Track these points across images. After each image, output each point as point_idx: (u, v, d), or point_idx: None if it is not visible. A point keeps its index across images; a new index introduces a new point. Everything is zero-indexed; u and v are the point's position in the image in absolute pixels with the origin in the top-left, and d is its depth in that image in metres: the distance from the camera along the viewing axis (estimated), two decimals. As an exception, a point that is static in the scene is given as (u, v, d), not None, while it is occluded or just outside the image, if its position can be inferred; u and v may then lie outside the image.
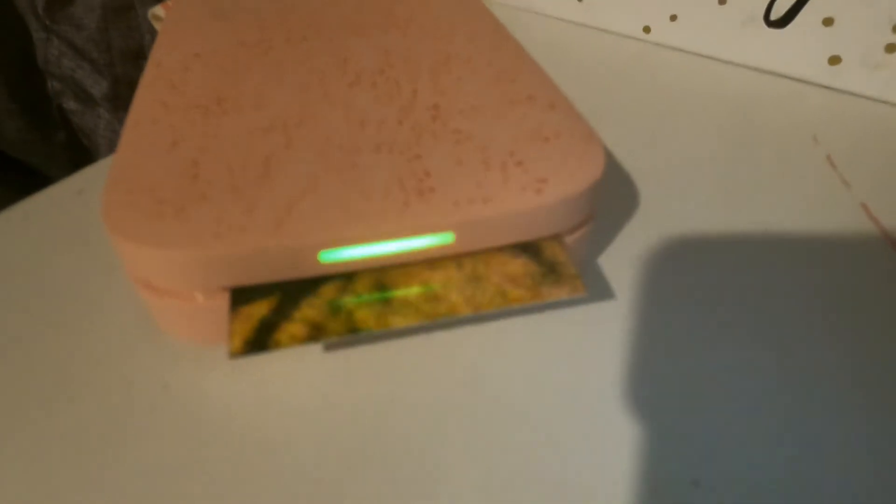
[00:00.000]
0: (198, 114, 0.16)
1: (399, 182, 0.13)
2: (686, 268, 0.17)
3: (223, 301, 0.13)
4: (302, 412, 0.13)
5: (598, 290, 0.16)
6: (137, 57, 0.50)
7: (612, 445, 0.13)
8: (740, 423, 0.13)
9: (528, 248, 0.14)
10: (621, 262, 0.17)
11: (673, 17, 0.28)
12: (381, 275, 0.13)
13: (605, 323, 0.15)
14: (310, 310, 0.12)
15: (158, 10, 0.24)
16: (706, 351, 0.15)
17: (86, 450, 0.12)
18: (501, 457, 0.13)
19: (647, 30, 0.29)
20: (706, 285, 0.16)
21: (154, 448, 0.13)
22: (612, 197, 0.19)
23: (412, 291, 0.13)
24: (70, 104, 0.51)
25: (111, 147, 0.52)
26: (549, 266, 0.14)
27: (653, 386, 0.14)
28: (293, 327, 0.12)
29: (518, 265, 0.14)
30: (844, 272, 0.17)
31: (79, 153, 0.54)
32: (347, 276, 0.13)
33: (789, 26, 0.25)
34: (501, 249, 0.14)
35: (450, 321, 0.15)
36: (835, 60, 0.25)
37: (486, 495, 0.12)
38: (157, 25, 0.25)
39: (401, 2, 0.22)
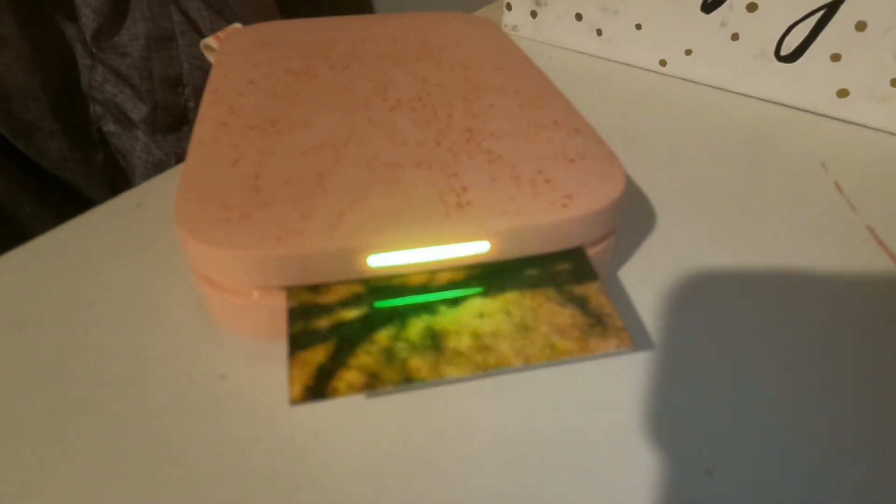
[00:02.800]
0: (255, 133, 0.17)
1: (439, 195, 0.15)
2: (699, 282, 0.18)
3: (278, 299, 0.14)
4: (353, 399, 0.15)
5: (617, 300, 0.18)
6: (176, 84, 0.52)
7: (629, 447, 0.14)
8: (752, 422, 0.14)
9: (575, 299, 0.14)
10: (639, 275, 0.18)
11: (688, 52, 0.29)
12: (433, 322, 0.14)
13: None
14: (366, 356, 0.13)
15: (211, 41, 0.26)
16: (718, 362, 0.16)
17: (152, 433, 0.14)
18: (529, 453, 0.14)
19: (663, 63, 0.30)
20: (719, 297, 0.18)
21: (212, 433, 0.14)
22: (632, 217, 0.21)
23: (463, 342, 0.13)
24: (109, 126, 0.54)
25: (146, 167, 0.55)
26: (596, 317, 0.14)
27: (668, 392, 0.15)
28: (350, 374, 0.12)
29: (565, 315, 0.14)
30: (851, 289, 0.18)
31: (115, 173, 0.56)
32: (400, 323, 0.14)
33: (799, 61, 0.26)
34: (549, 299, 0.14)
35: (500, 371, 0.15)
36: (843, 93, 0.26)
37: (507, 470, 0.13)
38: (208, 55, 0.27)
39: (433, 35, 0.24)
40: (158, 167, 0.55)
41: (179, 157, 0.55)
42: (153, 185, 0.22)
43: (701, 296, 0.18)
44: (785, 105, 0.28)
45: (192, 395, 0.15)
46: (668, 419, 0.14)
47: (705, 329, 0.17)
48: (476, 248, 0.14)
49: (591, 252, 0.16)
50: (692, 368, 0.16)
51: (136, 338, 0.16)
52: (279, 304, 0.14)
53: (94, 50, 0.49)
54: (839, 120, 0.27)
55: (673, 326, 0.17)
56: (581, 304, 0.14)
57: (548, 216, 0.15)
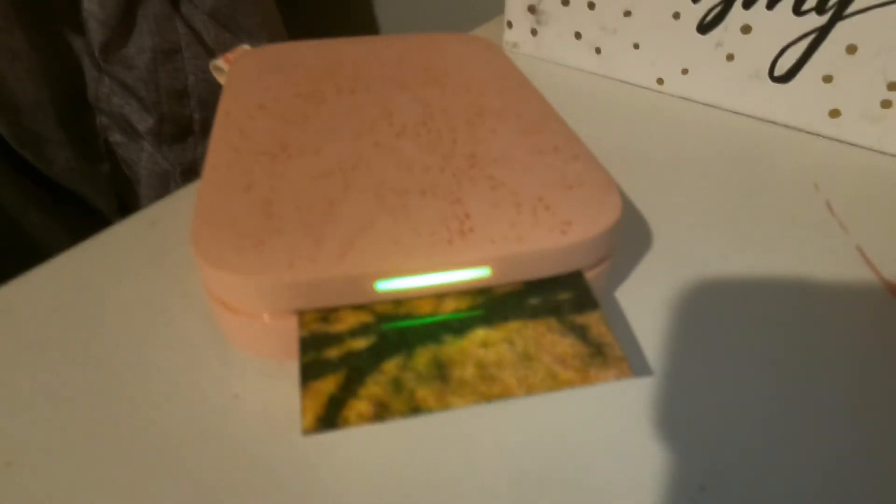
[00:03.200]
0: (266, 159, 0.18)
1: (443, 222, 0.15)
2: (694, 301, 0.19)
3: (290, 322, 0.15)
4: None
5: (615, 319, 0.18)
6: (182, 96, 0.53)
7: (628, 451, 0.15)
8: (744, 438, 0.15)
9: (576, 328, 0.15)
10: (636, 294, 0.19)
11: (685, 71, 0.30)
12: (439, 352, 0.14)
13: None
14: (374, 386, 0.13)
15: (220, 63, 0.27)
16: (712, 379, 0.17)
17: (167, 452, 0.14)
18: (530, 459, 0.14)
19: (660, 81, 0.31)
20: (713, 315, 0.18)
21: (226, 451, 0.14)
22: (628, 236, 0.21)
23: (468, 372, 0.14)
24: (116, 137, 0.55)
25: (151, 177, 0.56)
26: (597, 347, 0.14)
27: (663, 405, 0.16)
28: (360, 405, 0.13)
29: (566, 345, 0.14)
30: (840, 308, 0.19)
31: (121, 183, 0.57)
32: (407, 353, 0.14)
33: (792, 82, 0.27)
34: (550, 329, 0.15)
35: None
36: (835, 114, 0.27)
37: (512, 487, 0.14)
38: (217, 76, 0.27)
39: (437, 57, 0.25)
40: (163, 177, 0.56)
41: (184, 168, 0.56)
42: (167, 204, 0.23)
43: (696, 314, 0.18)
44: (778, 124, 0.29)
45: (205, 414, 0.15)
46: (663, 435, 0.15)
47: (700, 347, 0.17)
48: (478, 274, 0.15)
49: (589, 275, 0.16)
50: (687, 385, 0.16)
51: (151, 357, 0.17)
52: (290, 327, 0.15)
53: (101, 62, 0.50)
54: (831, 139, 0.27)
55: (669, 345, 0.17)
56: (581, 333, 0.15)
57: (547, 242, 0.15)
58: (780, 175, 0.25)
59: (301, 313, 0.15)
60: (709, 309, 0.19)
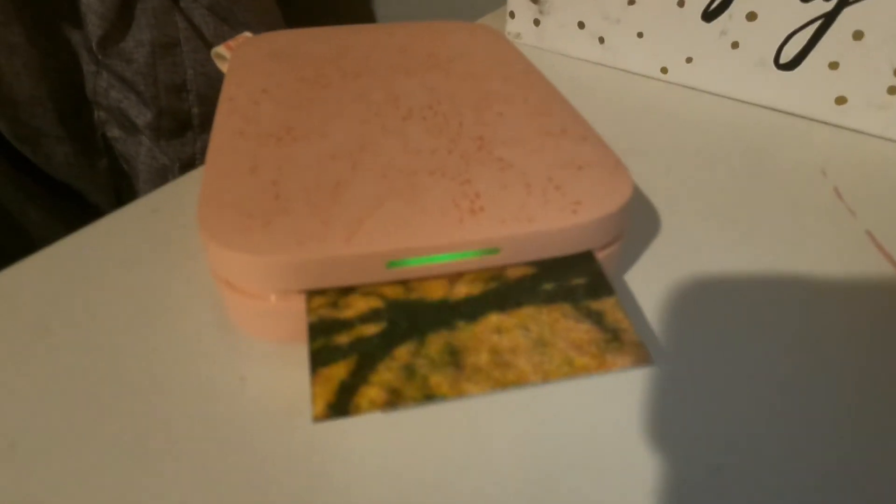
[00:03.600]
0: (272, 141, 0.18)
1: (453, 202, 0.15)
2: (703, 286, 0.19)
3: (297, 303, 0.15)
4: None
5: (625, 302, 0.18)
6: (181, 90, 0.53)
7: (635, 440, 0.14)
8: (757, 420, 0.15)
9: (591, 314, 0.15)
10: (645, 279, 0.19)
11: (689, 59, 0.30)
12: (451, 338, 0.14)
13: (631, 333, 0.17)
14: (387, 373, 0.13)
15: (222, 50, 0.26)
16: (720, 364, 0.16)
17: (173, 435, 0.14)
18: (536, 449, 0.14)
19: (664, 71, 0.31)
20: (722, 300, 0.18)
21: (233, 434, 0.14)
22: (636, 221, 0.21)
23: (482, 358, 0.13)
24: (114, 132, 0.54)
25: (150, 172, 0.55)
26: (613, 333, 0.14)
27: (672, 393, 0.16)
28: (371, 391, 0.13)
29: (582, 331, 0.14)
30: (851, 293, 0.18)
31: (120, 178, 0.57)
32: (420, 339, 0.14)
33: (798, 69, 0.27)
34: (565, 315, 0.14)
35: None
36: (841, 101, 0.27)
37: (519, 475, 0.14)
38: (219, 64, 0.27)
39: (440, 44, 0.24)
40: (162, 172, 0.56)
41: (183, 163, 0.55)
42: (168, 191, 0.23)
43: (704, 299, 0.18)
44: (784, 112, 0.28)
45: (212, 397, 0.15)
46: (673, 420, 0.15)
47: (711, 331, 0.17)
48: (489, 253, 0.15)
49: (600, 256, 0.16)
50: (696, 370, 0.16)
51: (155, 342, 0.16)
52: (298, 308, 0.15)
53: (99, 56, 0.50)
54: (838, 126, 0.27)
55: (679, 328, 0.17)
56: (597, 319, 0.14)
57: (558, 222, 0.15)
58: (787, 162, 0.25)
59: (309, 294, 0.15)
60: (719, 293, 0.18)
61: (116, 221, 0.21)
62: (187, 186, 0.23)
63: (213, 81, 0.55)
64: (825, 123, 0.28)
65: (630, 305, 0.18)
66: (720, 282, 0.19)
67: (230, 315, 0.16)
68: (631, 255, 0.20)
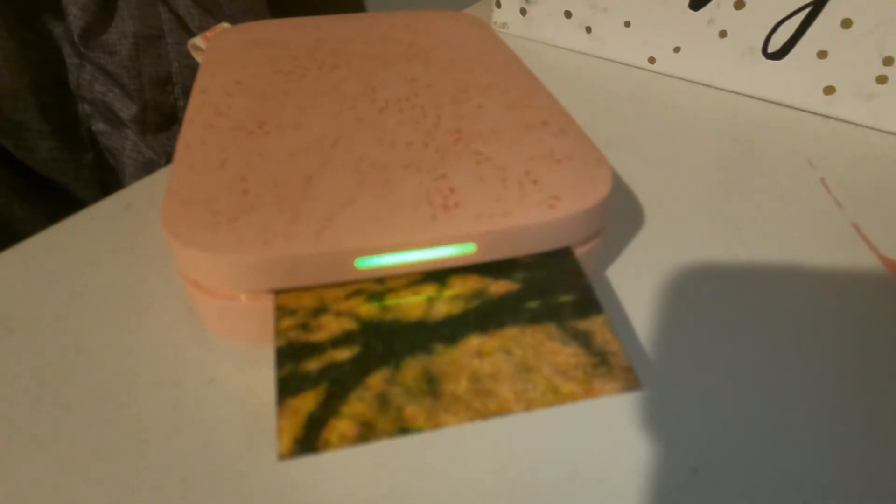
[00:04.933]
0: (242, 135, 0.17)
1: (427, 197, 0.15)
2: (688, 280, 0.18)
3: (266, 302, 0.14)
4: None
5: (606, 299, 0.18)
6: (165, 83, 0.52)
7: (620, 437, 0.14)
8: (738, 421, 0.14)
9: (579, 335, 0.14)
10: (627, 273, 0.18)
11: (676, 49, 0.29)
12: (429, 364, 0.13)
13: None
14: (359, 403, 0.12)
15: (198, 41, 0.26)
16: (705, 359, 0.16)
17: (141, 435, 0.14)
18: (518, 446, 0.14)
19: (651, 60, 0.31)
20: (707, 294, 0.18)
21: (202, 436, 0.14)
22: (620, 215, 0.21)
23: (461, 386, 0.13)
24: (99, 126, 0.54)
25: (136, 166, 0.55)
26: (601, 356, 0.13)
27: (656, 387, 0.15)
28: (342, 424, 0.12)
29: (568, 355, 0.13)
30: (836, 285, 0.18)
31: (105, 173, 0.56)
32: (395, 365, 0.13)
33: (786, 58, 0.27)
34: (551, 336, 0.14)
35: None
36: (829, 90, 0.26)
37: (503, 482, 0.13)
38: (196, 55, 0.27)
39: (423, 34, 0.24)
40: (148, 166, 0.55)
41: (170, 157, 0.55)
42: (142, 186, 0.22)
43: (689, 294, 0.18)
44: (772, 102, 0.28)
45: (181, 398, 0.15)
46: (656, 419, 0.15)
47: (693, 328, 0.17)
48: (463, 250, 0.14)
49: (579, 252, 0.16)
50: (680, 366, 0.16)
51: (124, 341, 0.16)
52: (267, 308, 0.14)
53: (81, 49, 0.49)
54: (826, 117, 0.27)
55: (661, 325, 0.17)
56: (585, 341, 0.14)
57: (535, 217, 0.15)
58: (774, 153, 0.25)
59: (278, 310, 0.14)
60: (703, 288, 0.18)
61: (88, 218, 0.20)
62: (162, 181, 0.22)
63: (199, 74, 0.54)
64: (813, 113, 0.27)
65: (610, 301, 0.18)
66: (705, 276, 0.19)
67: (199, 315, 0.16)
68: (614, 249, 0.19)
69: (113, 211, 0.21)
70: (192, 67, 0.53)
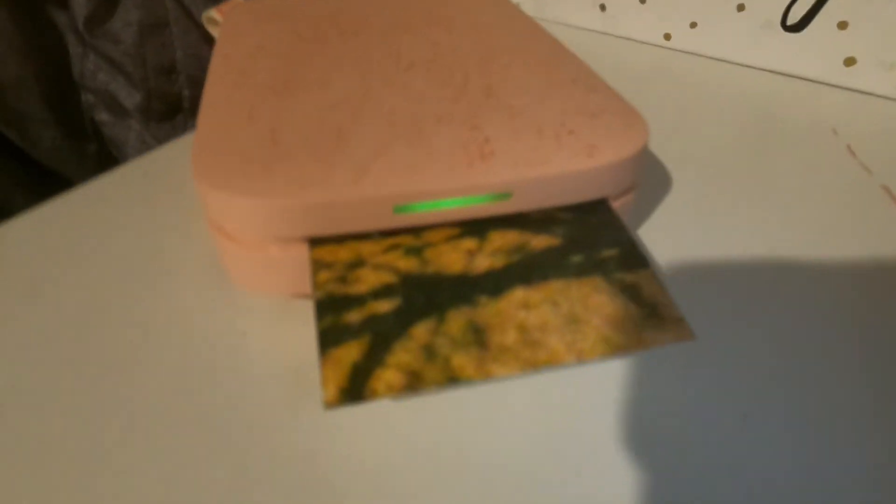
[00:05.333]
0: (269, 93, 0.17)
1: (462, 146, 0.15)
2: (718, 242, 0.18)
3: (300, 252, 0.14)
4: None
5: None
6: (170, 72, 0.52)
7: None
8: (783, 369, 0.14)
9: (626, 289, 0.13)
10: (656, 237, 0.18)
11: (693, 25, 0.29)
12: (474, 315, 0.13)
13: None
14: (404, 354, 0.12)
15: (213, 13, 0.25)
16: (733, 322, 0.16)
17: (173, 389, 0.13)
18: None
19: (668, 37, 0.30)
20: (736, 258, 0.18)
21: (237, 386, 0.14)
22: (649, 179, 0.21)
23: (509, 337, 0.12)
24: (102, 116, 0.53)
25: (140, 158, 0.54)
26: (650, 307, 0.13)
27: (681, 355, 0.15)
28: (388, 374, 0.11)
29: (617, 307, 0.13)
30: (870, 244, 0.18)
31: (108, 164, 0.56)
32: (439, 316, 0.12)
33: (806, 30, 0.26)
34: (597, 289, 0.13)
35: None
36: (850, 62, 0.26)
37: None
38: (210, 29, 0.26)
39: (441, 4, 0.24)
40: (153, 158, 0.55)
41: (174, 147, 0.54)
42: (156, 155, 0.22)
43: (718, 257, 0.18)
44: (792, 76, 0.28)
45: (214, 353, 0.14)
46: (705, 366, 0.14)
47: (726, 286, 0.17)
48: (500, 198, 0.14)
49: (615, 205, 0.16)
50: (706, 331, 0.15)
51: (152, 300, 0.16)
52: (301, 258, 0.14)
53: (86, 37, 0.49)
54: (846, 89, 0.27)
55: (688, 290, 0.17)
56: (633, 293, 0.13)
57: (573, 165, 0.14)
58: (797, 124, 0.24)
59: (312, 248, 0.14)
60: (734, 251, 0.18)
61: (106, 183, 0.20)
62: (175, 150, 0.22)
63: (203, 63, 0.53)
64: (833, 86, 0.27)
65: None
66: (735, 240, 0.18)
67: (229, 270, 0.15)
68: (641, 213, 0.19)
69: (131, 178, 0.20)
70: (196, 57, 0.53)
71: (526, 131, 0.15)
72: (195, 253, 0.17)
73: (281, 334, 0.15)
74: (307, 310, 0.15)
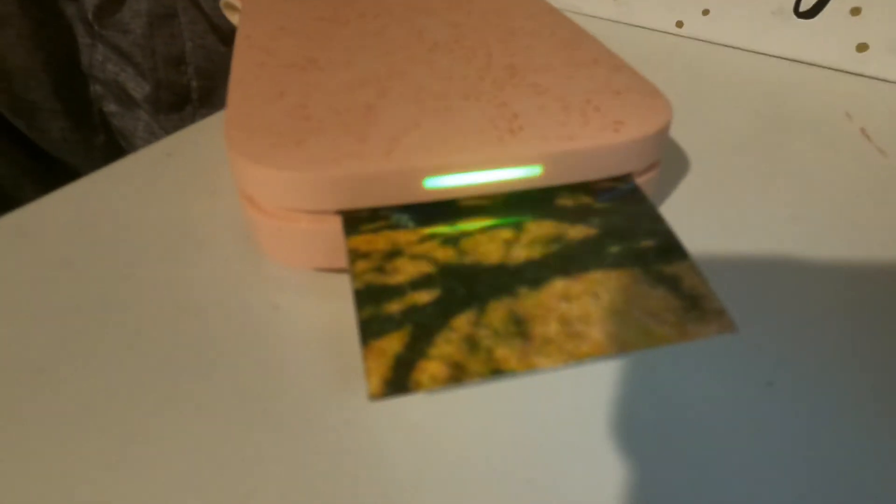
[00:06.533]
0: (295, 71, 0.17)
1: (491, 122, 0.15)
2: (737, 221, 0.18)
3: (331, 225, 0.14)
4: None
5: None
6: (179, 63, 0.52)
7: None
8: (809, 337, 0.14)
9: (665, 280, 0.13)
10: (671, 216, 0.18)
11: (705, 12, 0.29)
12: (515, 306, 0.13)
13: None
14: (446, 345, 0.12)
15: (232, -2, 0.26)
16: (751, 302, 0.16)
17: (205, 358, 0.14)
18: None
19: (680, 24, 0.31)
20: (755, 238, 0.18)
21: (270, 355, 0.14)
22: (668, 160, 0.21)
23: (552, 328, 0.12)
24: (111, 107, 0.53)
25: (149, 149, 0.54)
26: (691, 300, 0.13)
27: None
28: (432, 366, 0.11)
29: (657, 298, 0.13)
30: (885, 226, 0.18)
31: (116, 155, 0.56)
32: (479, 307, 0.12)
33: (818, 16, 0.27)
34: (637, 280, 0.13)
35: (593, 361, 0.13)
36: (862, 48, 0.26)
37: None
38: (229, 15, 0.26)
39: (458, -11, 0.24)
40: (161, 149, 0.55)
41: (182, 138, 0.54)
42: (180, 137, 0.22)
43: (732, 239, 0.18)
44: (804, 62, 0.28)
45: (245, 322, 0.14)
46: (730, 336, 0.14)
47: (737, 272, 0.17)
48: (530, 172, 0.14)
49: (640, 181, 0.16)
50: (743, 296, 0.16)
51: (183, 272, 0.16)
52: (333, 231, 0.14)
53: (95, 27, 0.49)
54: (859, 75, 0.27)
55: (718, 259, 0.17)
56: (673, 285, 0.13)
57: (600, 140, 0.15)
58: (809, 108, 0.25)
59: (348, 238, 0.14)
60: (749, 232, 0.18)
61: (131, 164, 0.20)
62: (199, 132, 0.22)
63: (212, 54, 0.54)
64: (846, 72, 0.27)
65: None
66: (754, 219, 0.19)
67: (261, 243, 0.16)
68: (661, 192, 0.19)
69: (155, 158, 0.20)
70: (204, 48, 0.53)
71: (552, 108, 0.15)
72: (224, 229, 0.17)
73: (313, 308, 0.15)
74: (338, 283, 0.15)
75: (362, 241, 0.14)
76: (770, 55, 0.29)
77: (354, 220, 0.14)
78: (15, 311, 0.14)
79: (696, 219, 0.18)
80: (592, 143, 0.14)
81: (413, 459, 0.12)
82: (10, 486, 0.11)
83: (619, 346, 0.12)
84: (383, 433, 0.12)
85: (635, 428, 0.13)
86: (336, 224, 0.14)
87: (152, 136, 0.54)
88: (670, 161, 0.21)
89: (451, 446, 0.12)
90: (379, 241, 0.14)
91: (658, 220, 0.15)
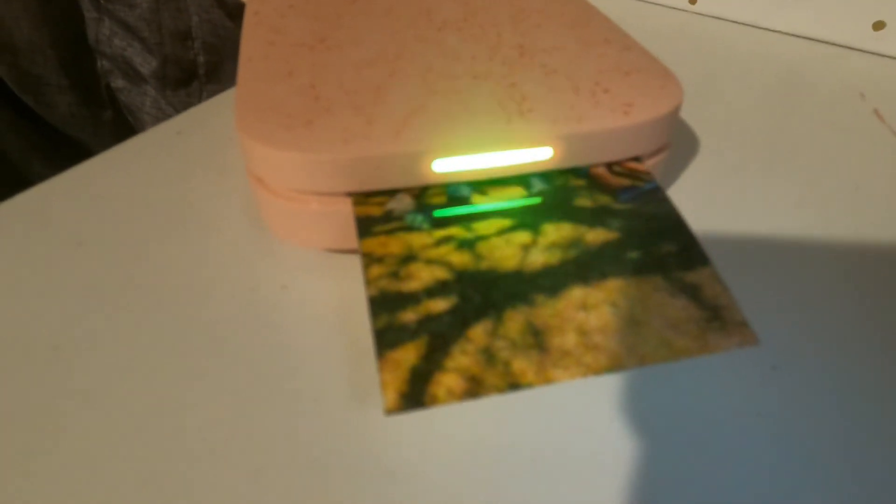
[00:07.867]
0: (304, 50, 0.17)
1: (500, 103, 0.15)
2: (746, 203, 0.18)
3: (340, 206, 0.14)
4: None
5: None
6: (185, 38, 0.51)
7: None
8: (812, 322, 0.14)
9: (686, 289, 0.13)
10: (682, 196, 0.18)
11: (719, -12, 0.29)
12: (532, 316, 0.12)
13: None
14: (463, 357, 0.11)
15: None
16: (760, 284, 0.16)
17: (214, 337, 0.14)
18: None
19: (692, 1, 0.30)
20: (764, 218, 0.18)
21: (278, 335, 0.14)
22: (675, 143, 0.21)
23: (569, 340, 0.12)
24: (118, 82, 0.53)
25: (155, 124, 0.54)
26: (713, 310, 0.12)
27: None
28: (448, 379, 0.11)
29: (677, 308, 0.12)
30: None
31: (123, 131, 0.56)
32: (496, 317, 0.12)
33: (834, -7, 0.26)
34: (658, 289, 0.13)
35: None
36: (879, 25, 0.26)
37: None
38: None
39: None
40: (168, 125, 0.55)
41: (190, 114, 0.54)
42: (190, 115, 0.22)
43: (744, 219, 0.18)
44: (819, 41, 0.28)
45: (255, 304, 0.15)
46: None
47: (750, 250, 0.17)
48: (539, 155, 0.14)
49: (648, 164, 0.16)
50: (749, 282, 0.16)
51: (192, 252, 0.16)
52: (342, 211, 0.14)
53: (101, 2, 0.49)
54: (875, 54, 0.27)
55: (721, 246, 0.17)
56: (693, 293, 0.12)
57: (610, 122, 0.14)
58: (823, 87, 0.24)
59: (362, 241, 0.13)
60: (761, 214, 0.18)
61: (141, 144, 0.20)
62: (209, 110, 0.22)
63: (218, 29, 0.53)
64: (861, 51, 0.27)
65: (673, 220, 0.18)
66: (764, 200, 0.18)
67: (270, 224, 0.16)
68: (671, 173, 0.19)
69: (165, 137, 0.20)
70: (211, 23, 0.52)
71: (562, 89, 0.15)
72: (232, 209, 0.17)
73: (321, 287, 0.15)
74: (346, 263, 0.16)
75: (376, 244, 0.13)
76: (784, 32, 0.28)
77: (367, 222, 0.14)
78: (30, 289, 0.15)
79: (706, 200, 0.18)
80: (602, 125, 0.14)
81: (419, 443, 0.12)
82: (25, 460, 0.12)
83: (637, 359, 0.11)
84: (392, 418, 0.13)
85: (641, 412, 0.13)
86: (345, 205, 0.14)
87: (159, 112, 0.54)
88: (679, 142, 0.21)
89: (463, 418, 0.13)
90: (393, 243, 0.13)
91: (679, 221, 0.14)
